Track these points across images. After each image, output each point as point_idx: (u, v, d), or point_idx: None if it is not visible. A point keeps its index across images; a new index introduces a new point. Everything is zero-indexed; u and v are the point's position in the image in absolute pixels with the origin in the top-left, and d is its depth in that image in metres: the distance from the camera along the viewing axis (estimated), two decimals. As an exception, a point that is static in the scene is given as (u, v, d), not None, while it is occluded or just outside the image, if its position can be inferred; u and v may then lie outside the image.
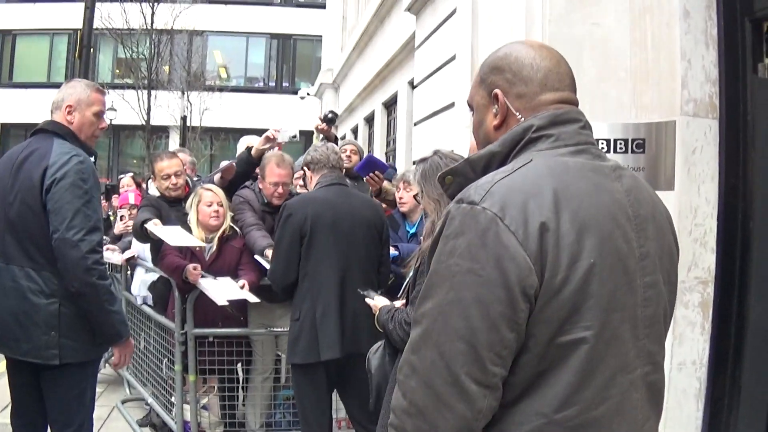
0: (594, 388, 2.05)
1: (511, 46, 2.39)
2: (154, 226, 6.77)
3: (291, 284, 5.56)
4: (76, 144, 4.67)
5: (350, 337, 5.48)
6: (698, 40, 5.07)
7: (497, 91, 2.33)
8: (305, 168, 5.95)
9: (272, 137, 7.41)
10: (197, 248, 6.79)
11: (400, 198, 6.88)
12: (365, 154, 8.79)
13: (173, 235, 6.60)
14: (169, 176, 7.45)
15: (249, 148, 7.52)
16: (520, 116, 2.29)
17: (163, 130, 37.80)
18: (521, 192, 2.04)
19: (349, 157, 8.69)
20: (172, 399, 7.24)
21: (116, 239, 9.04)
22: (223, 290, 6.43)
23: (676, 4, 5.10)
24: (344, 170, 7.62)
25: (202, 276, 6.53)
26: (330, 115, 7.88)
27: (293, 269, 5.51)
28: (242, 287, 6.49)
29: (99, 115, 4.85)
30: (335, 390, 5.95)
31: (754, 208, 4.98)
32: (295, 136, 7.92)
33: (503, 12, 6.48)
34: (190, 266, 6.52)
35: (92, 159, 4.70)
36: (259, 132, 8.06)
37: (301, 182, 7.22)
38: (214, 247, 6.85)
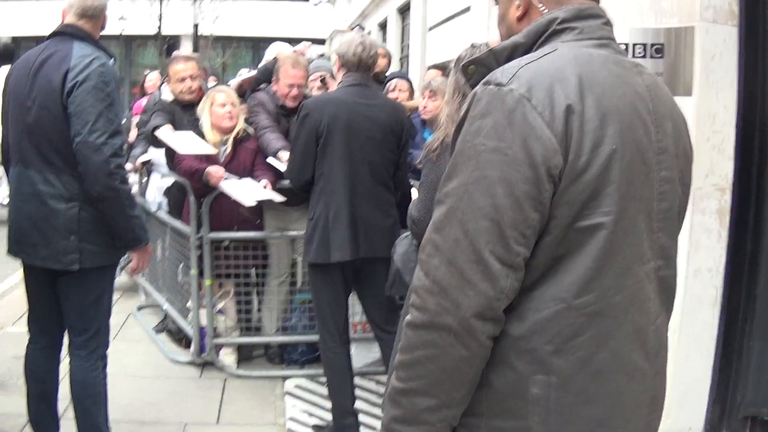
0: (612, 275, 2.07)
1: None
2: (165, 133, 6.78)
3: (307, 182, 5.52)
4: (95, 46, 4.60)
5: (363, 241, 5.48)
6: (720, -57, 4.99)
7: None
8: (338, 59, 5.71)
9: (302, 52, 7.44)
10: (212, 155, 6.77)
11: (424, 107, 6.76)
12: None
13: (184, 142, 6.59)
14: (184, 79, 7.41)
15: (275, 59, 7.52)
16: (543, 8, 2.28)
17: (175, 39, 37.59)
18: (548, 75, 2.03)
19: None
20: (188, 304, 7.31)
21: (130, 147, 8.98)
22: (248, 191, 6.43)
23: None
24: (375, 75, 7.60)
25: (225, 178, 6.53)
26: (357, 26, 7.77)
27: (309, 168, 5.46)
28: (265, 187, 6.48)
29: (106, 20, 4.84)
30: (353, 293, 5.96)
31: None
32: (323, 54, 7.98)
33: None
34: (212, 168, 6.49)
35: (112, 61, 4.64)
36: (273, 40, 8.07)
37: (318, 83, 7.18)
38: (229, 149, 6.83)
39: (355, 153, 5.47)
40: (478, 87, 2.11)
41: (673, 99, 2.35)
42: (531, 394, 2.09)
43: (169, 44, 22.42)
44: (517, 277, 2.02)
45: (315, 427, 5.98)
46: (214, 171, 6.48)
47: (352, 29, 7.75)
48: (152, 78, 11.27)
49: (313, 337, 6.57)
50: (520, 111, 1.99)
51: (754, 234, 5.04)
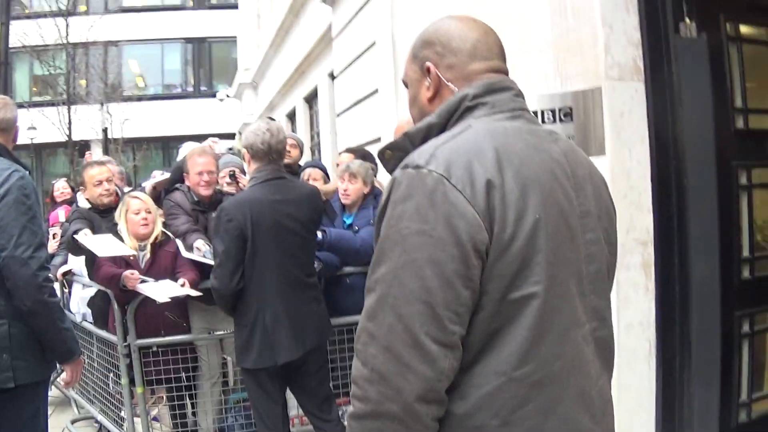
0: (549, 343, 2.09)
1: (440, 21, 2.44)
2: (84, 237, 6.72)
3: (237, 291, 5.45)
4: (11, 159, 4.55)
5: (301, 338, 5.47)
6: (618, 4, 5.11)
7: (428, 63, 2.37)
8: (246, 150, 5.67)
9: (210, 147, 7.69)
10: (131, 257, 6.68)
11: (345, 190, 6.78)
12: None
13: (103, 245, 6.52)
14: (101, 182, 7.48)
15: (184, 158, 7.51)
16: (453, 86, 2.33)
17: (86, 145, 37.42)
18: (464, 153, 2.08)
19: (289, 152, 8.60)
20: (122, 413, 7.14)
21: (49, 258, 8.85)
22: (163, 289, 6.35)
23: (591, -29, 5.13)
24: (288, 166, 7.64)
25: (142, 281, 6.43)
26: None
27: (239, 274, 5.40)
28: (183, 285, 6.40)
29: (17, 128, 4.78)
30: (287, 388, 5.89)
31: (686, 165, 5.04)
32: (231, 148, 8.10)
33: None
34: (127, 272, 6.39)
35: (27, 174, 4.57)
36: (182, 138, 8.17)
37: (227, 180, 7.19)
38: (148, 254, 6.77)
39: (281, 252, 5.46)
40: (396, 171, 2.14)
41: (590, 161, 2.40)
42: None
43: (79, 148, 22.40)
44: (455, 356, 2.03)
45: None
46: (130, 274, 6.37)
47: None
48: (59, 186, 11.13)
49: (252, 436, 6.44)
50: (441, 191, 2.02)
51: (681, 283, 5.10)
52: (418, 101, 2.44)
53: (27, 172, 4.56)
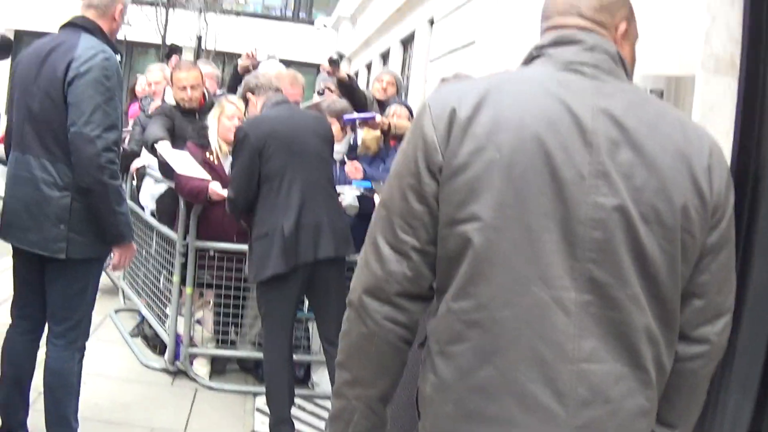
0: (495, 286, 2.06)
1: None
2: (165, 149, 6.83)
3: (252, 202, 5.68)
4: (103, 40, 4.62)
5: (324, 242, 5.65)
6: (724, -4, 5.05)
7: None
8: (249, 93, 6.10)
9: (251, 55, 8.32)
10: (215, 162, 6.82)
11: None
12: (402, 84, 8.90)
13: (182, 162, 6.60)
14: (185, 87, 7.46)
15: (236, 66, 8.24)
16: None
17: (174, 49, 37.56)
18: (459, 89, 2.21)
19: (385, 89, 8.68)
20: (167, 311, 7.29)
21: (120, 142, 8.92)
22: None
23: (707, -43, 5.07)
24: (379, 101, 7.84)
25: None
26: (335, 57, 7.84)
27: (255, 187, 5.63)
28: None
29: (122, 15, 4.84)
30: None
31: (765, 170, 4.99)
32: (272, 56, 8.27)
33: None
34: (213, 186, 6.53)
35: (117, 57, 4.66)
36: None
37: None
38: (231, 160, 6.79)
39: (300, 163, 5.66)
40: None
41: (684, 137, 2.18)
42: (424, 393, 2.20)
43: (170, 49, 22.38)
44: (408, 266, 2.17)
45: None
46: (214, 188, 6.52)
47: (331, 59, 7.80)
48: (142, 82, 11.18)
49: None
50: (421, 116, 2.21)
51: (738, 286, 5.04)
52: None
53: (115, 55, 4.64)
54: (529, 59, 2.31)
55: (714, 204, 2.17)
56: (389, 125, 7.29)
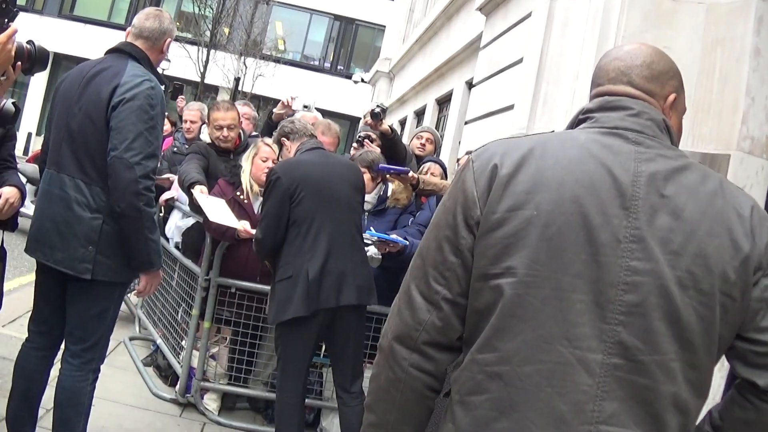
0: (520, 341, 2.09)
1: (621, 46, 2.54)
2: (200, 194, 6.83)
3: (279, 244, 5.69)
4: (150, 70, 4.69)
5: (346, 289, 5.64)
6: (765, 78, 5.08)
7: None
8: (283, 138, 6.14)
9: (287, 103, 8.25)
10: (245, 201, 6.87)
11: None
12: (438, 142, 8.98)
13: (215, 209, 6.61)
14: (221, 128, 7.57)
15: (270, 113, 8.22)
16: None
17: (214, 90, 37.95)
18: (505, 146, 2.26)
19: (423, 145, 8.77)
20: (183, 343, 7.32)
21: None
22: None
23: (749, 41, 5.11)
24: (417, 156, 8.01)
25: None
26: (377, 110, 7.87)
27: (283, 230, 5.65)
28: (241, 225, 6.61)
29: (168, 48, 4.93)
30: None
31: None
32: (307, 106, 8.31)
33: (578, 22, 6.49)
34: (241, 226, 6.55)
35: (162, 88, 4.72)
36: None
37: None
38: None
39: (329, 209, 5.69)
40: None
41: (723, 199, 2.17)
42: None
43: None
44: (438, 315, 2.21)
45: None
46: (243, 228, 6.54)
47: (373, 112, 7.83)
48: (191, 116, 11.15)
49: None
50: (464, 171, 2.29)
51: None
52: None
53: (160, 85, 4.70)
54: (575, 122, 2.37)
55: (757, 262, 2.14)
56: (417, 180, 7.33)
